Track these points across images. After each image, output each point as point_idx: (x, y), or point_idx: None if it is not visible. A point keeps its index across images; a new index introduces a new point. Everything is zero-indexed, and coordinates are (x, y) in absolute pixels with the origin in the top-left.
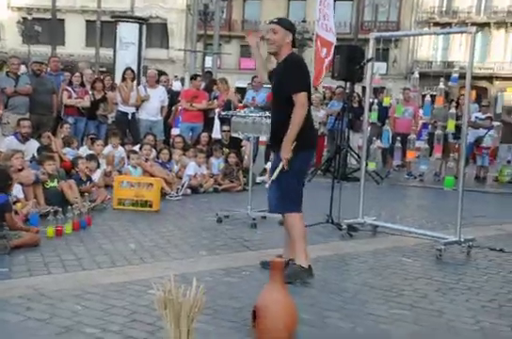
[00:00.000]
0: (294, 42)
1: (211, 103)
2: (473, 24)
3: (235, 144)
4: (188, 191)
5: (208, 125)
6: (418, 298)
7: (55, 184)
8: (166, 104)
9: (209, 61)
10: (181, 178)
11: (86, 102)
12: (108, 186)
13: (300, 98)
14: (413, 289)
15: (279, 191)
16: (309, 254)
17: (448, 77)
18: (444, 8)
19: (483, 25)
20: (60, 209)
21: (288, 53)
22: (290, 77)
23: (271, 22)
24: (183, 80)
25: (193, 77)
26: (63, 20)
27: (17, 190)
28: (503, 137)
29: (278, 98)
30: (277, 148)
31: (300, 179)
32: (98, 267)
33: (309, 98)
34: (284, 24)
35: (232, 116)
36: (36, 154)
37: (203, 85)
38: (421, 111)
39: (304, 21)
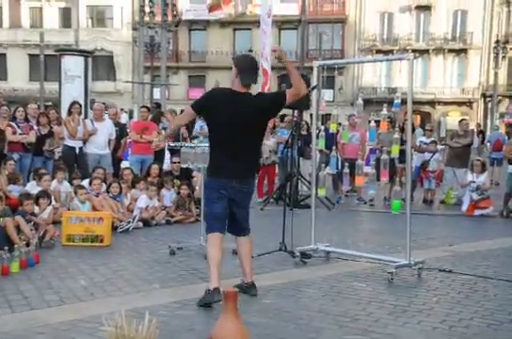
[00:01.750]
0: (241, 76)
1: (161, 134)
2: (414, 50)
3: (186, 175)
4: (140, 224)
5: (158, 157)
6: (372, 323)
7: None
8: (113, 137)
9: (157, 92)
10: (132, 211)
11: (31, 137)
12: (56, 223)
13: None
14: (367, 314)
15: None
16: (215, 275)
17: (391, 103)
18: (385, 36)
19: (422, 52)
20: (6, 248)
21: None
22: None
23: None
24: (131, 112)
25: (141, 108)
26: (4, 54)
27: None
28: (447, 161)
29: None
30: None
31: (209, 205)
32: (47, 306)
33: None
34: (234, 60)
35: (182, 147)
36: None
37: (150, 116)
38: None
39: (250, 50)
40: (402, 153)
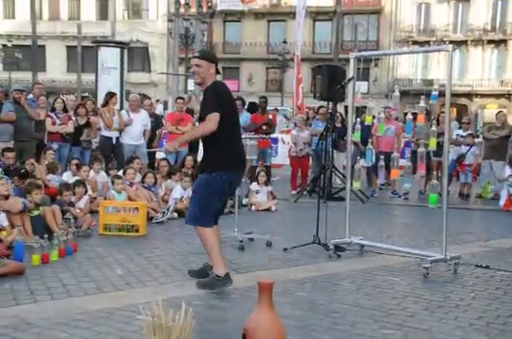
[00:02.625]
0: (217, 70)
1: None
2: (451, 41)
3: None
4: (175, 215)
5: (193, 148)
6: (407, 318)
7: (39, 211)
8: (148, 127)
9: (191, 84)
10: (167, 202)
11: (69, 128)
12: (93, 212)
13: (211, 116)
14: (402, 308)
15: (195, 206)
16: (225, 262)
17: (428, 95)
18: (422, 27)
19: (460, 43)
20: (46, 237)
21: (211, 82)
22: (205, 102)
23: (194, 56)
24: (166, 103)
25: (177, 100)
26: (44, 46)
27: (2, 218)
28: (485, 154)
29: (202, 121)
30: (200, 170)
31: (220, 198)
32: (85, 294)
33: (233, 123)
34: (206, 56)
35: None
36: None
37: (185, 108)
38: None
39: (285, 42)
40: (438, 146)
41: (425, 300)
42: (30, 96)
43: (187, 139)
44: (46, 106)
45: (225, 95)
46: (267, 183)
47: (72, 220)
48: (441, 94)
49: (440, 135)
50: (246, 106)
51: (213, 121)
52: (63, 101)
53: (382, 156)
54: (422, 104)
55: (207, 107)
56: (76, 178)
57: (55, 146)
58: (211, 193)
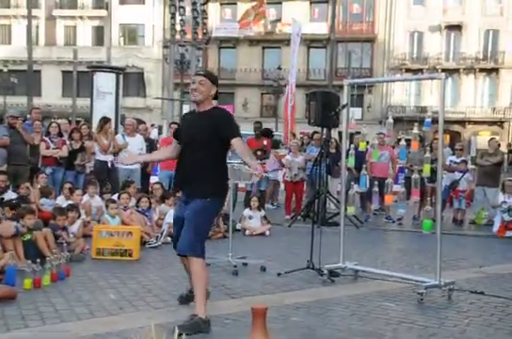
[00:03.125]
0: (216, 95)
1: None
2: (444, 69)
3: None
4: (168, 239)
5: None
6: None
7: (31, 236)
8: (144, 152)
9: (187, 109)
10: (160, 226)
11: (63, 152)
12: (86, 236)
13: (239, 140)
14: (396, 335)
15: (192, 233)
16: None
17: (422, 122)
18: (415, 55)
19: (453, 71)
20: (38, 261)
21: (213, 105)
22: (230, 125)
23: (198, 73)
24: (160, 128)
25: (171, 125)
26: (39, 71)
27: None
28: (478, 180)
29: (196, 142)
30: (188, 190)
31: (207, 228)
32: (77, 319)
33: (226, 148)
34: (211, 77)
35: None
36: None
37: None
38: (396, 154)
39: (279, 68)
40: (432, 172)
41: (420, 327)
42: (27, 121)
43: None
44: (41, 131)
45: None
46: (260, 208)
47: (64, 245)
48: (435, 121)
49: (434, 161)
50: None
51: (242, 142)
52: (58, 125)
53: (376, 182)
54: (415, 130)
55: (233, 130)
56: (69, 202)
57: (48, 170)
58: (208, 220)
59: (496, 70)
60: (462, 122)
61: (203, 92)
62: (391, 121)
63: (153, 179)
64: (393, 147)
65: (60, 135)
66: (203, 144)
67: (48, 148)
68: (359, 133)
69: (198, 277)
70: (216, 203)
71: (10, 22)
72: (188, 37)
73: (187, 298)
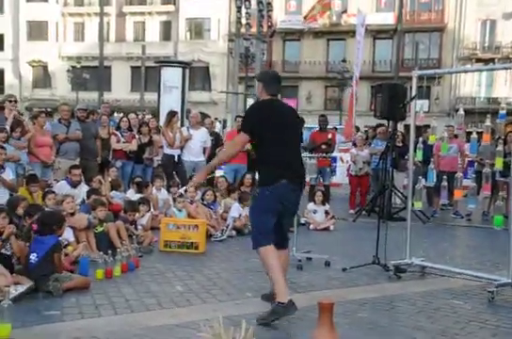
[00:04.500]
0: (266, 88)
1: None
2: None
3: None
4: (233, 233)
5: (252, 166)
6: None
7: (103, 228)
8: (208, 145)
9: (251, 102)
10: (225, 219)
11: (133, 146)
12: (154, 229)
13: (237, 137)
14: (466, 333)
15: (251, 227)
16: (286, 288)
17: (494, 114)
18: (487, 44)
19: None
20: (110, 252)
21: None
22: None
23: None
24: (225, 122)
25: (237, 118)
26: (109, 67)
27: (68, 234)
28: None
29: None
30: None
31: (266, 215)
32: (146, 310)
33: (277, 140)
34: (257, 76)
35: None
36: (85, 198)
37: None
38: (466, 147)
39: (344, 61)
40: (505, 166)
41: (492, 326)
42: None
43: (215, 164)
44: (108, 125)
45: (258, 113)
46: (325, 202)
47: (134, 237)
48: (508, 113)
49: (507, 155)
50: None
51: (238, 142)
52: (128, 120)
53: (445, 176)
54: (487, 123)
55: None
56: (139, 195)
57: (118, 164)
58: (260, 211)
59: None
60: None
61: (257, 94)
62: (462, 112)
63: (219, 172)
64: (456, 136)
65: (130, 129)
66: None
67: (118, 141)
68: (426, 126)
69: (265, 264)
70: (263, 193)
71: (83, 19)
72: (253, 30)
73: (267, 297)
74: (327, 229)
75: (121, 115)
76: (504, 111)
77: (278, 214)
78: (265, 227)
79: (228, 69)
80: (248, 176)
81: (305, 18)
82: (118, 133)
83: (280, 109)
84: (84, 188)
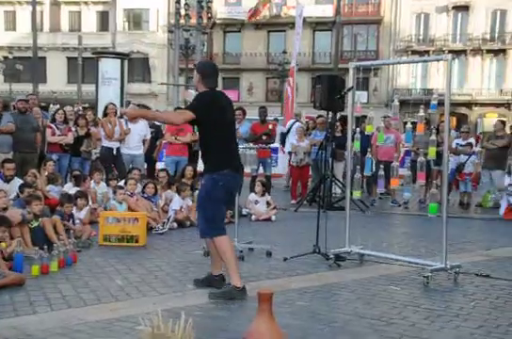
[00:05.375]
0: (206, 81)
1: (195, 135)
2: (450, 51)
3: None
4: (174, 225)
5: (193, 158)
6: (407, 327)
7: (38, 223)
8: (148, 137)
9: (192, 94)
10: (166, 212)
11: (69, 138)
12: (93, 223)
13: (185, 112)
14: (402, 317)
15: (203, 217)
16: (239, 274)
17: (428, 104)
18: (421, 37)
19: (459, 53)
20: (46, 247)
21: (203, 89)
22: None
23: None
24: None
25: (175, 110)
26: (44, 58)
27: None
28: (484, 163)
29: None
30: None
31: (219, 205)
32: (84, 305)
33: (220, 126)
34: (196, 67)
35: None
36: (18, 192)
37: None
38: (402, 137)
39: (284, 52)
40: (438, 155)
41: (426, 310)
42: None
43: (147, 115)
44: (41, 117)
45: (213, 101)
46: (265, 192)
47: (71, 231)
48: (441, 103)
49: (440, 144)
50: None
51: (183, 115)
52: (64, 112)
53: (382, 165)
54: (421, 113)
55: (189, 105)
56: (77, 189)
57: (54, 157)
58: (213, 201)
59: (503, 51)
60: (469, 105)
61: (194, 83)
62: (396, 103)
63: (159, 165)
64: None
65: (66, 121)
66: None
67: (54, 134)
68: (364, 117)
69: (224, 252)
70: (211, 180)
71: (15, 8)
72: (193, 21)
73: (204, 282)
74: (268, 219)
75: (57, 107)
76: (436, 102)
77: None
78: (220, 217)
79: (168, 60)
80: (190, 168)
81: (251, 15)
82: (53, 125)
83: (226, 101)
84: (17, 183)
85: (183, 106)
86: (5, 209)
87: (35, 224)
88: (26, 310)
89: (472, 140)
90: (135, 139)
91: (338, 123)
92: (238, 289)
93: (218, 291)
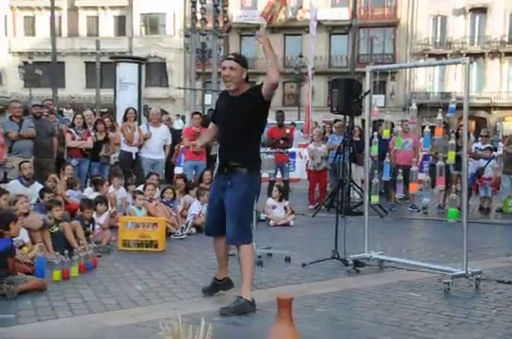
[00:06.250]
0: (247, 78)
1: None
2: (468, 54)
3: None
4: (193, 230)
5: (211, 163)
6: (428, 335)
7: (59, 228)
8: (169, 142)
9: (208, 98)
10: (185, 217)
11: (89, 143)
12: (112, 228)
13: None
14: (423, 324)
15: (238, 222)
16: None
17: (446, 108)
18: (438, 40)
19: (477, 55)
20: (66, 252)
21: (247, 87)
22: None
23: (228, 58)
24: (183, 118)
25: (194, 115)
26: (63, 62)
27: (23, 235)
28: (504, 168)
29: (234, 126)
30: (228, 173)
31: (251, 207)
32: (105, 310)
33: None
34: (241, 60)
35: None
36: (39, 197)
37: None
38: (421, 141)
39: (301, 56)
40: (457, 159)
41: (447, 317)
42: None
43: (272, 52)
44: (57, 122)
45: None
46: (283, 197)
47: (91, 236)
48: (459, 107)
49: (459, 148)
50: None
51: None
52: (83, 117)
53: (400, 170)
54: (439, 117)
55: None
56: (97, 194)
57: (74, 162)
58: (249, 204)
59: None
60: (488, 108)
61: (235, 79)
62: (414, 107)
63: (178, 170)
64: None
65: (85, 126)
66: (233, 127)
67: (73, 139)
68: (382, 120)
69: (249, 262)
70: (254, 180)
71: (34, 13)
72: (209, 25)
73: (212, 288)
74: (286, 224)
75: (72, 112)
76: (454, 105)
77: None
78: (250, 222)
79: (185, 64)
80: (208, 173)
81: (268, 20)
82: (72, 130)
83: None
84: (37, 188)
85: (199, 111)
86: (26, 214)
87: (55, 229)
88: (48, 315)
89: (499, 144)
90: (156, 144)
91: (356, 128)
92: (250, 302)
93: (231, 306)
